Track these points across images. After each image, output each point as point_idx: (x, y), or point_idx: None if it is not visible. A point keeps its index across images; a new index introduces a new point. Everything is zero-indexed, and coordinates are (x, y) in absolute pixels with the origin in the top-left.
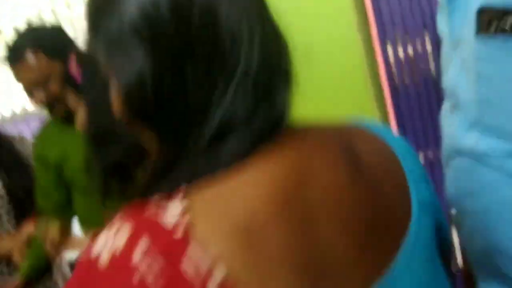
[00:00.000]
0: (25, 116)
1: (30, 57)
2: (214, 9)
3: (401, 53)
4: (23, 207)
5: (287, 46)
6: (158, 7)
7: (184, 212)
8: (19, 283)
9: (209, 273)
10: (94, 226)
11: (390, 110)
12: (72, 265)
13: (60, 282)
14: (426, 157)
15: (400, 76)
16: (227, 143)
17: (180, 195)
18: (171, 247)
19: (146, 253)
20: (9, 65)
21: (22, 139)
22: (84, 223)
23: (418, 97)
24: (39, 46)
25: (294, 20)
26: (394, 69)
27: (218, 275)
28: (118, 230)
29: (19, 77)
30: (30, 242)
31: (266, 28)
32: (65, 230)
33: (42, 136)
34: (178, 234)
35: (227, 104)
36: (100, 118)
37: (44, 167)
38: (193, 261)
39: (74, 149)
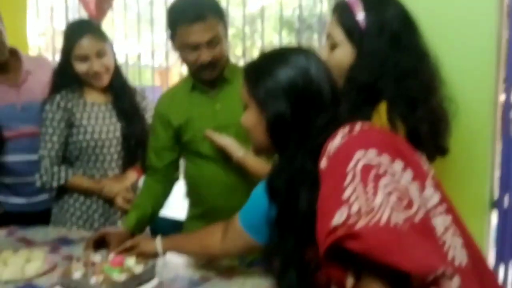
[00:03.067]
0: None
1: (211, 19)
2: (316, 87)
3: None
4: (131, 155)
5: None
6: (296, 84)
7: None
8: (125, 235)
9: None
10: (199, 190)
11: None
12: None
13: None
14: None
15: None
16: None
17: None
18: None
19: None
20: (184, 23)
21: (142, 91)
22: (189, 186)
23: None
24: (217, 11)
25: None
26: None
27: None
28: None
29: (195, 34)
30: (133, 190)
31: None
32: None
33: (169, 97)
34: None
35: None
36: None
37: (163, 126)
38: None
39: (198, 116)
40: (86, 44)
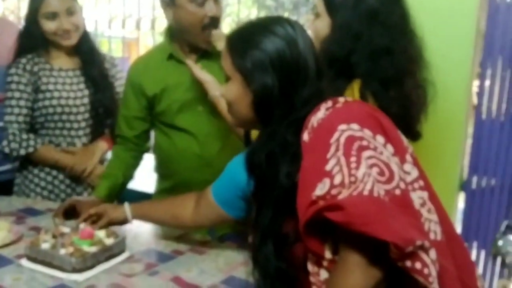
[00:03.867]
0: None
1: None
2: (303, 60)
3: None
4: (99, 123)
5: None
6: (285, 56)
7: None
8: (97, 204)
9: None
10: (171, 163)
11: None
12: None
13: None
14: (488, 184)
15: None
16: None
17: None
18: None
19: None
20: None
21: (111, 58)
22: (160, 158)
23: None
24: None
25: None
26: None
27: None
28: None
29: None
30: (102, 161)
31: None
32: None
33: (142, 65)
34: None
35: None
36: None
37: (136, 95)
38: None
39: (175, 86)
40: (55, 1)
